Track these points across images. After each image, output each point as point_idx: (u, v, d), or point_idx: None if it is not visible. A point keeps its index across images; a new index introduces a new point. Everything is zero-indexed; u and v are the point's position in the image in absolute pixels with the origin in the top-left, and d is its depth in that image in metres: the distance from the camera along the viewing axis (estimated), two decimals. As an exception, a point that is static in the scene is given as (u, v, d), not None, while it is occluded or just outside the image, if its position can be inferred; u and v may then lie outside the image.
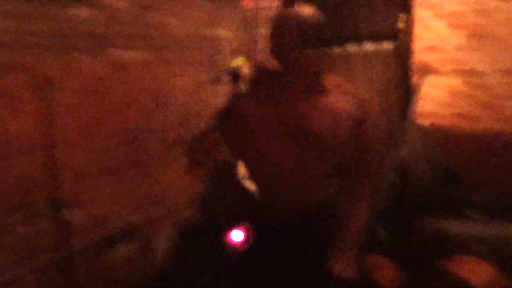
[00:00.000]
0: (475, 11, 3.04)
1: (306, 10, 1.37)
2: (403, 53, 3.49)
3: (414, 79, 3.29)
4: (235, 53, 3.73)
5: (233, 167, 3.44)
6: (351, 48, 3.73)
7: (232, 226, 3.32)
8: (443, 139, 3.08)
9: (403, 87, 3.53)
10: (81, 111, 2.36)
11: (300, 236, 1.46)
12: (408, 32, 3.41)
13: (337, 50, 3.76)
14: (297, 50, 1.30)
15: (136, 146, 2.71)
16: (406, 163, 2.68)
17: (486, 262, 2.19)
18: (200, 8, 3.30)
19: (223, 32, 3.64)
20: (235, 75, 3.78)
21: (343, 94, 1.38)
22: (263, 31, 3.86)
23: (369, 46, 3.67)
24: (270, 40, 1.35)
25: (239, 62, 3.77)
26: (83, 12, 2.44)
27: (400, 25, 3.47)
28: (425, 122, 3.23)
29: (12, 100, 2.05)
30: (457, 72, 3.16)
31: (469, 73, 3.12)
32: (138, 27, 2.73)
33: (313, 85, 1.37)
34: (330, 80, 1.42)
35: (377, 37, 3.61)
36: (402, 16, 3.44)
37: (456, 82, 3.16)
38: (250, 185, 3.41)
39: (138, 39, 2.73)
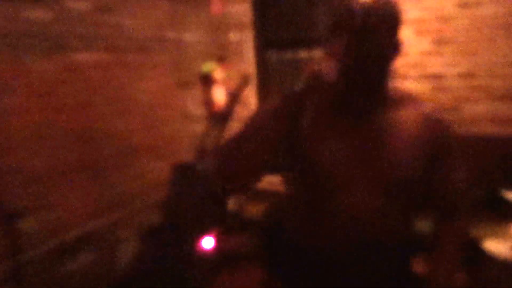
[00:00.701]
0: (438, 18, 3.08)
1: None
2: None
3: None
4: (203, 57, 3.70)
5: (196, 169, 3.39)
6: (316, 53, 3.75)
7: (198, 230, 3.29)
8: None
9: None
10: (30, 114, 2.29)
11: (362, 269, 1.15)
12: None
13: (302, 54, 3.77)
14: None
15: (91, 149, 2.64)
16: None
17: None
18: (163, 10, 3.27)
19: (188, 36, 3.61)
20: (207, 80, 3.76)
21: (416, 108, 1.15)
22: (233, 36, 3.85)
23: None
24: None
25: (211, 67, 3.76)
26: (39, 13, 2.38)
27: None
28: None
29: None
30: (422, 77, 3.19)
31: (433, 77, 3.16)
32: (95, 29, 2.68)
33: (382, 99, 1.12)
34: (401, 93, 1.18)
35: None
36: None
37: (421, 86, 3.19)
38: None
39: (95, 41, 2.67)
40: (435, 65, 3.14)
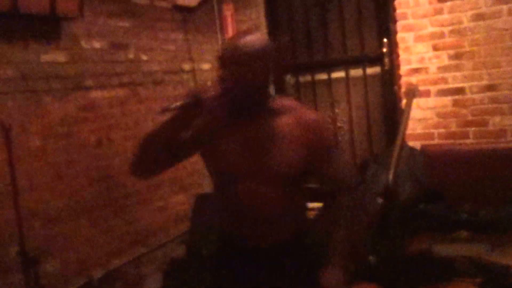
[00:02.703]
0: (454, 31, 3.03)
1: (254, 39, 1.39)
2: (388, 76, 3.48)
3: (402, 102, 3.26)
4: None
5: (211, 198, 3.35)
6: (337, 73, 3.73)
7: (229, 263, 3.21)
8: (431, 158, 3.03)
9: (389, 110, 3.49)
10: (50, 155, 2.30)
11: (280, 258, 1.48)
12: (392, 56, 3.41)
13: (322, 76, 3.75)
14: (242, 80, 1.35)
15: (112, 185, 2.64)
16: (393, 185, 2.62)
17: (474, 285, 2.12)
18: (176, 42, 3.31)
19: (204, 65, 3.63)
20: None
21: (295, 114, 1.44)
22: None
23: (354, 72, 3.67)
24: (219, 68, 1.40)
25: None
26: (56, 56, 2.44)
27: (384, 49, 3.47)
28: (416, 144, 3.19)
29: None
30: (441, 92, 3.13)
31: (453, 92, 3.09)
32: (110, 66, 2.72)
33: (264, 108, 1.43)
34: (284, 103, 1.49)
35: (361, 62, 3.62)
36: (385, 41, 3.44)
37: (441, 102, 3.13)
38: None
39: (110, 78, 2.71)
40: (456, 79, 3.08)
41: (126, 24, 2.93)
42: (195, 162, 3.42)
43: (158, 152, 1.39)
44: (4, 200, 2.09)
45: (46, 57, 2.37)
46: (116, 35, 2.84)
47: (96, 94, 2.62)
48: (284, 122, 1.41)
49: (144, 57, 3.00)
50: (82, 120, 2.53)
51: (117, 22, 2.85)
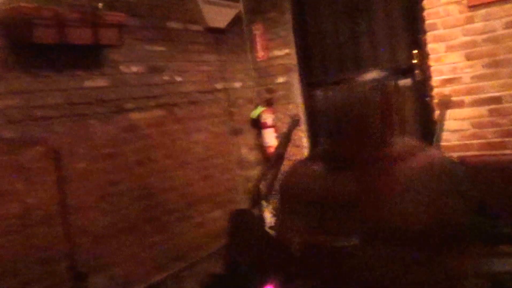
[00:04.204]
0: (488, 40, 2.99)
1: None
2: (420, 88, 3.45)
3: (436, 113, 3.23)
4: (252, 103, 3.80)
5: (256, 217, 3.40)
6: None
7: (260, 280, 3.25)
8: (470, 170, 2.97)
9: (422, 122, 3.46)
10: (96, 175, 2.43)
11: None
12: (423, 67, 3.39)
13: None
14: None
15: (153, 203, 2.74)
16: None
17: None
18: (209, 63, 3.42)
19: (237, 84, 3.73)
20: (257, 124, 3.85)
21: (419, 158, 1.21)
22: (280, 79, 3.94)
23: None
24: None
25: (259, 111, 3.84)
26: (98, 82, 2.58)
27: (415, 61, 3.45)
28: (452, 155, 3.13)
29: (27, 173, 2.15)
30: (477, 102, 3.07)
31: (489, 101, 3.03)
32: (148, 89, 2.84)
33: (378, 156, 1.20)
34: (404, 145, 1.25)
35: (393, 74, 3.61)
36: (415, 52, 3.43)
37: (477, 112, 3.07)
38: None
39: (148, 100, 2.83)
40: (491, 88, 3.01)
41: (162, 48, 3.07)
42: (231, 179, 3.53)
43: None
44: (54, 219, 2.22)
45: (89, 83, 2.52)
46: (152, 59, 2.99)
47: (136, 115, 2.75)
48: (409, 170, 1.17)
49: (179, 79, 3.13)
50: (124, 141, 2.66)
51: (153, 47, 3.00)
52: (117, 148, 2.60)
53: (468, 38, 3.07)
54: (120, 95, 2.68)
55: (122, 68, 2.77)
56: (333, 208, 1.16)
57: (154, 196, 2.77)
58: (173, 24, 3.21)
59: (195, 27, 3.41)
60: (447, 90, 3.18)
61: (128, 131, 2.68)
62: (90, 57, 2.54)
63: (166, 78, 3.02)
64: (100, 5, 2.47)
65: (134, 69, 2.84)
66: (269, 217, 3.53)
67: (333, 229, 1.15)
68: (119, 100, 2.67)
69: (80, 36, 2.31)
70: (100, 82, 2.59)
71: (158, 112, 2.90)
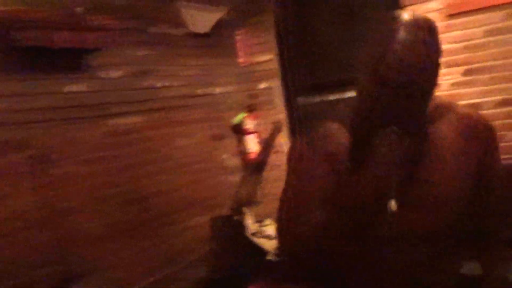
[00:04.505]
0: (466, 47, 3.07)
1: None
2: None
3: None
4: (235, 108, 3.80)
5: (242, 224, 3.39)
6: (350, 93, 3.77)
7: (243, 283, 3.24)
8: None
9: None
10: (83, 179, 2.41)
11: None
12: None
13: (333, 96, 3.81)
14: None
15: (142, 208, 2.75)
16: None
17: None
18: (193, 68, 3.41)
19: (219, 89, 3.72)
20: (239, 130, 3.84)
21: (455, 120, 1.08)
22: (262, 85, 3.95)
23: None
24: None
25: (241, 117, 3.83)
26: (78, 87, 2.55)
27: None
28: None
29: (13, 176, 2.10)
30: (457, 108, 3.14)
31: (469, 108, 3.10)
32: (130, 94, 2.82)
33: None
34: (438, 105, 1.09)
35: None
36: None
37: (457, 119, 3.13)
38: (263, 242, 3.37)
39: (131, 105, 2.81)
40: (470, 95, 3.10)
41: (145, 52, 3.04)
42: (216, 184, 3.51)
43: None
44: (46, 223, 2.19)
45: (73, 87, 2.49)
46: (136, 64, 2.95)
47: (120, 120, 2.73)
48: (443, 133, 1.04)
49: (163, 83, 3.10)
50: (109, 146, 2.64)
51: (136, 51, 2.97)
52: (103, 153, 2.59)
53: (447, 46, 3.14)
54: (104, 99, 2.65)
55: (105, 72, 2.74)
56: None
57: (142, 201, 2.77)
58: (156, 29, 3.18)
59: (178, 32, 3.38)
60: (427, 96, 3.24)
61: (112, 136, 2.66)
62: (73, 61, 2.50)
63: (150, 83, 3.00)
64: (80, 9, 2.43)
65: (118, 73, 2.80)
66: (250, 223, 3.53)
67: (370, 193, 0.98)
68: (103, 104, 2.64)
69: (63, 39, 2.27)
70: (84, 86, 2.55)
71: (140, 118, 2.87)
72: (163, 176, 2.96)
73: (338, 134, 1.07)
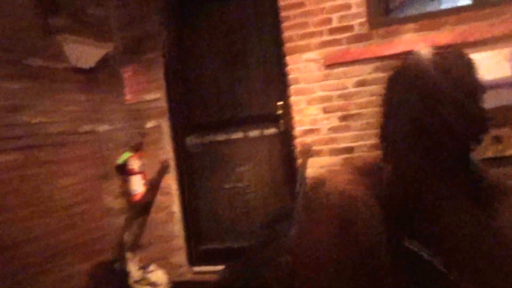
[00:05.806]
0: (341, 96, 3.36)
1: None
2: (285, 137, 3.70)
3: (299, 161, 3.47)
4: (121, 147, 3.66)
5: (125, 271, 3.21)
6: (235, 134, 3.88)
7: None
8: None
9: (289, 168, 3.70)
10: None
11: None
12: (287, 117, 3.65)
13: (220, 137, 3.89)
14: None
15: (11, 256, 2.43)
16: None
17: None
18: (78, 103, 3.24)
19: (105, 126, 3.57)
20: (123, 170, 3.68)
21: None
22: (149, 124, 3.88)
23: (253, 132, 3.84)
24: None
25: (126, 157, 3.69)
26: None
27: (279, 111, 3.71)
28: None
29: None
30: (333, 151, 3.39)
31: (343, 151, 3.37)
32: (5, 130, 2.56)
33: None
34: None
35: (260, 124, 3.81)
36: (279, 103, 3.69)
37: (333, 160, 3.38)
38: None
39: (6, 142, 2.55)
40: (345, 139, 3.35)
41: (22, 85, 2.80)
42: (99, 227, 3.28)
43: None
44: None
45: None
46: (11, 98, 2.70)
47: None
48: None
49: (43, 119, 2.87)
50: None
51: (11, 85, 2.72)
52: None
53: (325, 93, 3.40)
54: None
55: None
56: None
57: (12, 248, 2.44)
58: (35, 61, 2.97)
59: (60, 65, 3.20)
60: (308, 139, 3.46)
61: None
62: None
63: (27, 118, 2.75)
64: None
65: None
66: (134, 270, 3.34)
67: None
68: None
69: None
70: None
71: (18, 155, 2.61)
72: (39, 220, 2.69)
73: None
